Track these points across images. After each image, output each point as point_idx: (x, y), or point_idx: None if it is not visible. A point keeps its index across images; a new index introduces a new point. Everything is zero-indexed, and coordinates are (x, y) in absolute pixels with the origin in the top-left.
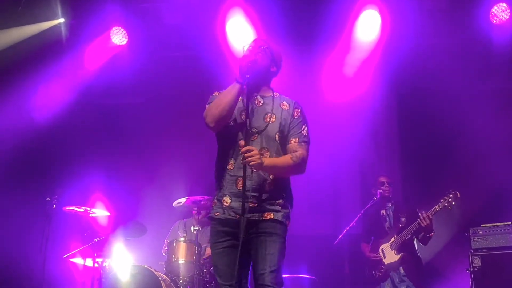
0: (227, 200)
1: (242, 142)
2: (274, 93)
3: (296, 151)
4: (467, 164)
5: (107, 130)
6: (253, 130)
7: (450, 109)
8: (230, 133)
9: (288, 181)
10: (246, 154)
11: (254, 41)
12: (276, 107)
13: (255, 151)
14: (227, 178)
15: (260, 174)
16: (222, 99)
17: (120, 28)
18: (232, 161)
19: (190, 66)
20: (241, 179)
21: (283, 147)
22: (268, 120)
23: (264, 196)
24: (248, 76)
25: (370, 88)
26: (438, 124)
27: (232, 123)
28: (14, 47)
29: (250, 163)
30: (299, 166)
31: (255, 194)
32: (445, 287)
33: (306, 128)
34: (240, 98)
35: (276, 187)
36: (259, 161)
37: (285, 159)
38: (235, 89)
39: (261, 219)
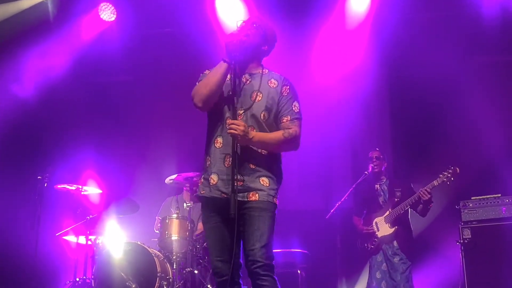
0: (214, 178)
1: (229, 121)
2: (263, 70)
3: (289, 129)
4: (458, 137)
5: (98, 108)
6: (240, 108)
7: (441, 83)
8: (219, 112)
9: (278, 159)
10: (230, 126)
11: (247, 18)
12: (263, 85)
13: (242, 124)
14: (215, 156)
15: (249, 153)
16: (210, 78)
17: (108, 4)
18: (220, 139)
19: (179, 43)
20: (229, 157)
21: (269, 126)
22: (254, 98)
23: (251, 175)
24: (236, 55)
25: (360, 63)
26: (429, 98)
27: (220, 101)
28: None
29: (231, 133)
30: (291, 142)
31: (242, 172)
32: (436, 259)
33: (297, 105)
34: (229, 76)
35: (264, 166)
36: (241, 133)
37: (277, 135)
38: (222, 68)
39: (246, 199)
